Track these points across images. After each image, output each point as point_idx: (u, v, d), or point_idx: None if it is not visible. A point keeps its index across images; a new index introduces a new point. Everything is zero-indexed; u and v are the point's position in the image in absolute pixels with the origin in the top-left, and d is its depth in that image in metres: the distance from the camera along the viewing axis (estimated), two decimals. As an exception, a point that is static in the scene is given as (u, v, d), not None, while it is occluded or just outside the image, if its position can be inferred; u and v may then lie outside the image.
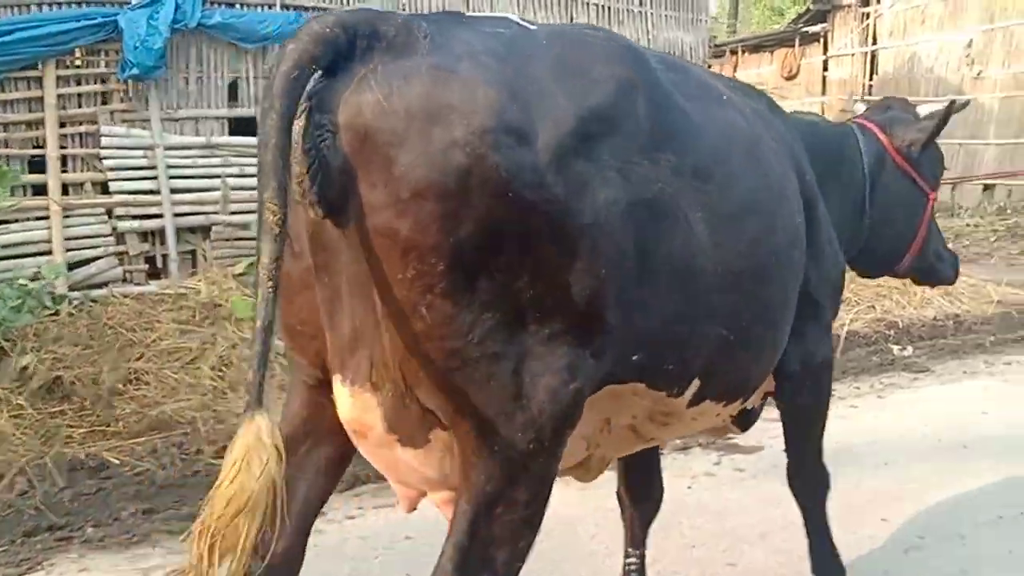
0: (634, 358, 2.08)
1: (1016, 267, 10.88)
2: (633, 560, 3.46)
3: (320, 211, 1.77)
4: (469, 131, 1.73)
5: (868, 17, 18.02)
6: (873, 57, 17.88)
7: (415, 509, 2.36)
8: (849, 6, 18.53)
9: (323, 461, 2.24)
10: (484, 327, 1.81)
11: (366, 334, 1.91)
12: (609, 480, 3.26)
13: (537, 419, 1.88)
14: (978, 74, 15.72)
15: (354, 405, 1.99)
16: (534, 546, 2.01)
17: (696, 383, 2.32)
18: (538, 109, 1.83)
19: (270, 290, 1.73)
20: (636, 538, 3.45)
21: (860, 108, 4.03)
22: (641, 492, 3.43)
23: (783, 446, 3.20)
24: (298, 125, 1.73)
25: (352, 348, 1.94)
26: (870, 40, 18.04)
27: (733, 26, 29.77)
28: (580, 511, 4.13)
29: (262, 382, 1.76)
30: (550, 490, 2.01)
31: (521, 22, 2.09)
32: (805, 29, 19.70)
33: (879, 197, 3.41)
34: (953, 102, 3.61)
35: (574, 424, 1.98)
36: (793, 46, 20.18)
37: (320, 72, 1.76)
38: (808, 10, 19.48)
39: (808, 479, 3.22)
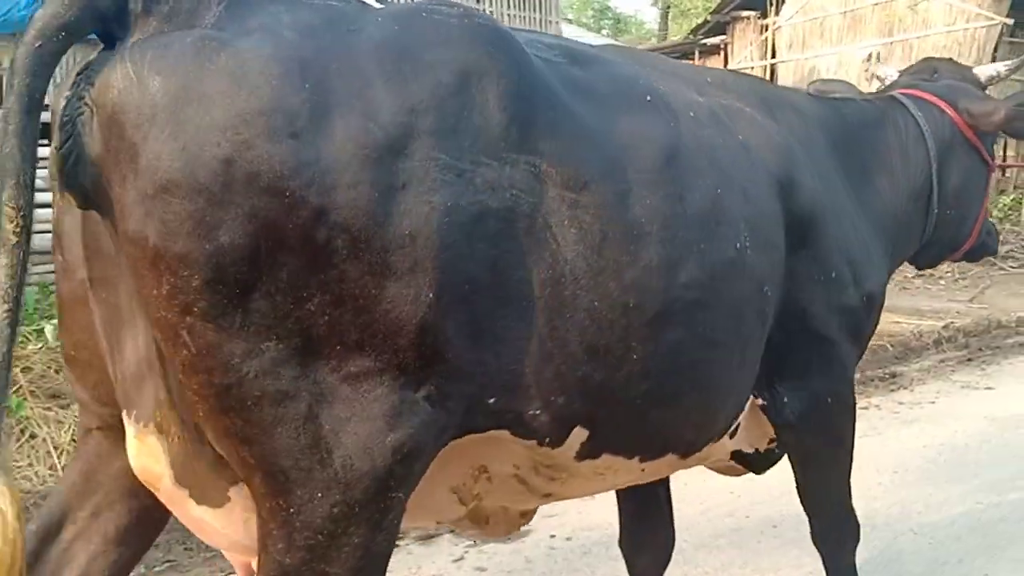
0: (490, 402, 1.79)
1: (908, 291, 10.51)
2: None
3: (73, 200, 1.58)
4: (232, 113, 1.48)
5: (767, 29, 17.87)
6: (773, 70, 17.65)
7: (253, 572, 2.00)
8: (748, 18, 18.41)
9: (115, 527, 1.91)
10: (263, 359, 1.54)
11: (151, 364, 1.68)
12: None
13: (342, 477, 1.60)
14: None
15: (139, 450, 1.74)
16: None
17: (581, 432, 1.98)
18: (342, 92, 1.57)
19: (5, 318, 1.49)
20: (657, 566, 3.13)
21: (886, 72, 3.58)
22: (645, 540, 3.11)
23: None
24: (63, 98, 1.55)
25: (137, 380, 1.70)
26: (769, 53, 17.85)
27: (664, 36, 29.84)
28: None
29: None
30: (380, 565, 1.72)
31: (370, 1, 1.80)
32: (704, 41, 19.49)
33: (950, 181, 3.06)
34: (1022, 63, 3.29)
35: (403, 485, 1.69)
36: (693, 58, 19.89)
37: (83, 40, 1.55)
38: (706, 21, 19.24)
39: (829, 535, 2.90)
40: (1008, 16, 14.15)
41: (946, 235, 3.19)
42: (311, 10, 1.65)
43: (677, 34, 30.73)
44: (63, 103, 1.56)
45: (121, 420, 1.76)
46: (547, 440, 1.96)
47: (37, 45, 1.50)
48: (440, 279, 1.63)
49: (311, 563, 1.64)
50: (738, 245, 2.18)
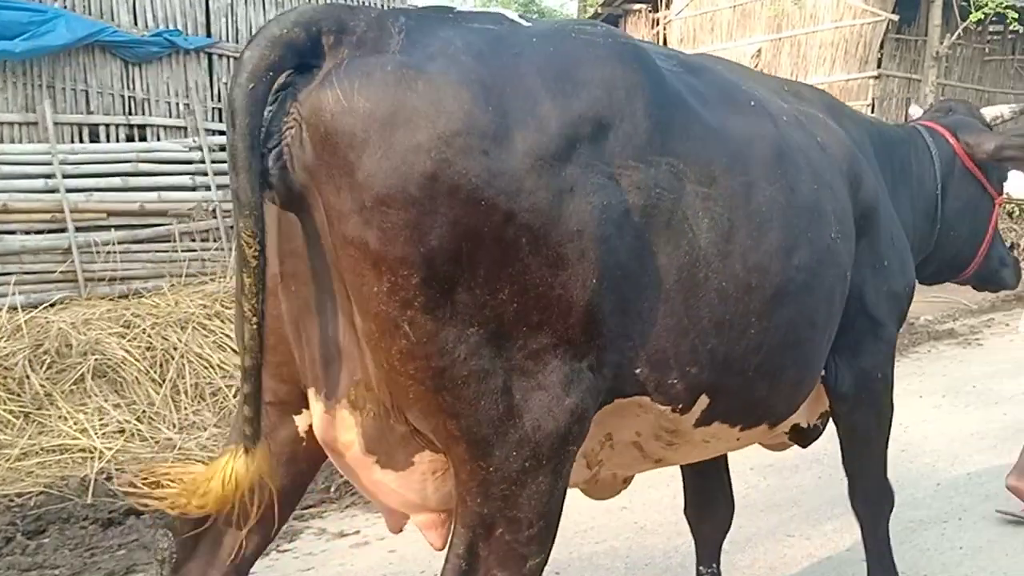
0: (636, 371, 2.06)
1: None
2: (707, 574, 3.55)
3: (277, 199, 1.78)
4: (434, 134, 1.70)
5: (659, 23, 17.84)
6: (664, 64, 17.64)
7: (401, 530, 2.41)
8: (640, 11, 18.36)
9: (273, 489, 2.03)
10: (469, 343, 1.80)
11: (343, 349, 1.92)
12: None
13: (532, 437, 1.88)
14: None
15: (329, 422, 2.01)
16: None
17: (704, 400, 2.25)
18: (518, 111, 1.79)
19: (255, 327, 1.78)
20: (707, 555, 3.53)
21: (916, 111, 4.08)
22: (707, 510, 3.47)
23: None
24: (267, 111, 1.75)
25: (326, 363, 1.95)
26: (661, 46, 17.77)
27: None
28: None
29: (259, 421, 1.87)
30: (558, 507, 2.01)
31: (516, 19, 2.03)
32: (596, 33, 19.26)
33: (949, 203, 3.44)
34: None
35: (578, 440, 1.97)
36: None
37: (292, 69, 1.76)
38: (598, 14, 19.07)
39: (868, 498, 3.20)
40: (894, 12, 14.37)
41: (946, 255, 3.54)
42: (475, 34, 1.87)
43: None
44: (270, 114, 1.76)
45: (294, 397, 2.07)
46: (679, 407, 2.20)
47: (251, 87, 1.70)
48: (600, 267, 1.88)
49: (504, 509, 1.93)
50: (832, 234, 2.46)
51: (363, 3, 8.85)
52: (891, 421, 3.14)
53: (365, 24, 1.80)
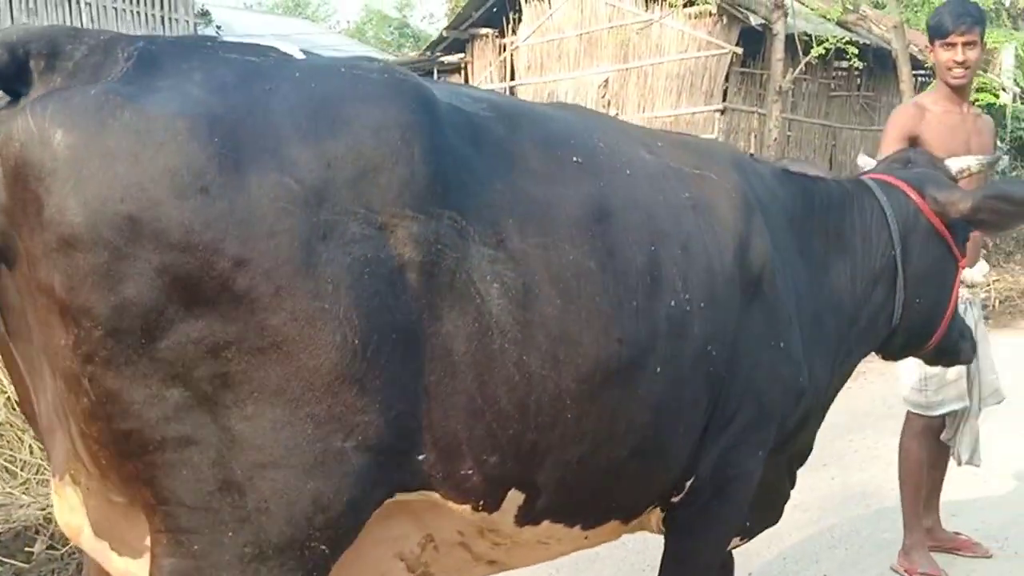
0: (420, 458, 1.86)
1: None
2: None
3: None
4: (138, 170, 1.56)
5: (505, 49, 17.52)
6: (512, 92, 17.30)
7: None
8: (487, 36, 18.00)
9: None
10: (165, 406, 1.62)
11: (59, 415, 1.74)
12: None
13: (255, 519, 1.67)
14: (615, 116, 15.47)
15: (59, 503, 1.86)
16: None
17: (517, 496, 2.05)
18: (256, 149, 1.64)
19: None
20: None
21: (866, 161, 3.88)
22: None
23: None
24: None
25: (49, 432, 1.80)
26: (508, 74, 17.49)
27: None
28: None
29: None
30: None
31: (290, 52, 1.89)
32: (443, 59, 18.87)
33: (913, 266, 3.09)
34: (996, 159, 3.56)
35: (327, 538, 1.74)
36: (432, 76, 19.23)
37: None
38: (443, 37, 18.62)
39: None
40: (737, 45, 14.39)
41: (914, 325, 3.19)
42: (227, 66, 1.72)
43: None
44: None
45: None
46: (481, 503, 2.00)
47: None
48: (364, 328, 1.70)
49: None
50: (676, 303, 2.22)
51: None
52: (729, 541, 2.84)
53: (87, 49, 1.65)
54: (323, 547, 1.75)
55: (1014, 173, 20.04)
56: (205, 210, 1.58)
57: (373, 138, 1.77)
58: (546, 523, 2.17)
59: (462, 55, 18.83)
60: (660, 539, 3.23)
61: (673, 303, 2.21)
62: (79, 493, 1.80)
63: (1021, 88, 20.43)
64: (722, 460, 2.48)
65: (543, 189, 2.07)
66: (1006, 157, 20.95)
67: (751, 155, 3.76)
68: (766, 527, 3.16)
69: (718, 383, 2.37)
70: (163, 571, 1.72)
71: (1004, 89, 19.35)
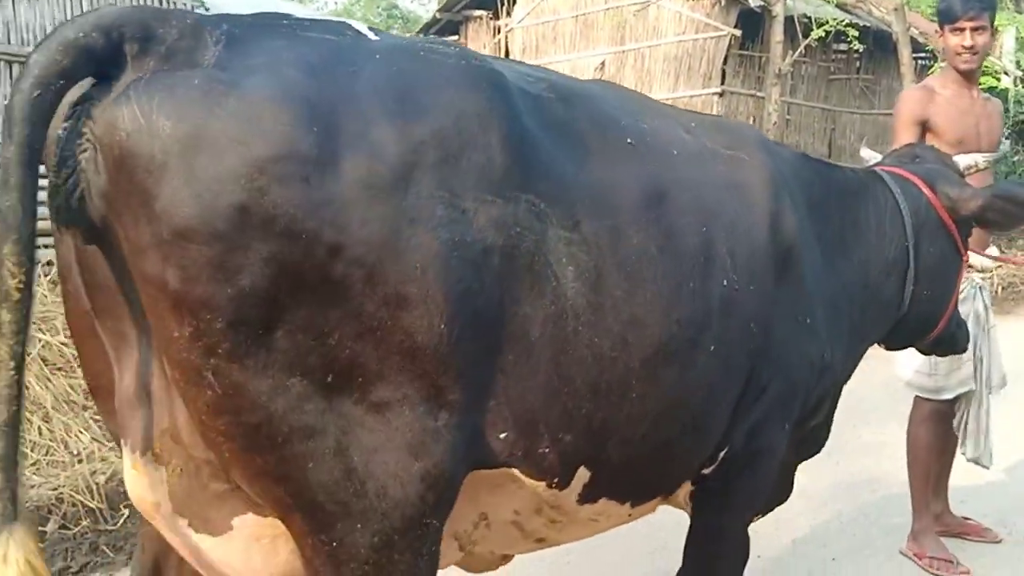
0: (501, 435, 1.91)
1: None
2: None
3: (78, 236, 1.67)
4: (247, 159, 1.55)
5: (500, 31, 17.45)
6: (507, 75, 17.23)
7: None
8: (481, 18, 17.91)
9: None
10: (290, 395, 1.65)
11: (153, 394, 1.77)
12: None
13: (377, 507, 1.73)
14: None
15: (136, 478, 1.83)
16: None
17: (584, 473, 2.12)
18: (349, 134, 1.65)
19: (13, 374, 1.56)
20: None
21: (870, 154, 3.93)
22: None
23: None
24: (60, 130, 1.59)
25: (133, 407, 1.79)
26: (503, 56, 17.41)
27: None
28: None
29: (14, 492, 1.58)
30: None
31: (363, 30, 1.89)
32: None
33: (923, 259, 3.18)
34: (1002, 155, 3.54)
35: (438, 512, 1.83)
36: (424, 59, 19.21)
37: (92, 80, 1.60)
38: (437, 19, 18.53)
39: None
40: (736, 27, 14.35)
41: (920, 316, 3.27)
42: (309, 46, 1.71)
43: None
44: (60, 136, 1.59)
45: None
46: (555, 480, 2.06)
47: (36, 94, 1.53)
48: (451, 310, 1.72)
49: None
50: (727, 282, 2.28)
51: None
52: (750, 518, 2.87)
53: (178, 32, 1.63)
54: (435, 522, 1.83)
55: (1016, 158, 20.06)
56: (307, 198, 1.59)
57: (455, 124, 1.78)
58: (603, 500, 2.25)
59: (456, 37, 18.73)
60: (668, 522, 3.23)
61: (724, 282, 2.27)
62: (163, 471, 1.81)
63: (1023, 71, 20.41)
64: (752, 433, 2.53)
65: (606, 171, 2.10)
66: (1007, 142, 20.97)
67: None
68: (777, 505, 3.20)
69: (755, 358, 2.43)
70: (311, 569, 1.80)
71: (1006, 72, 19.35)
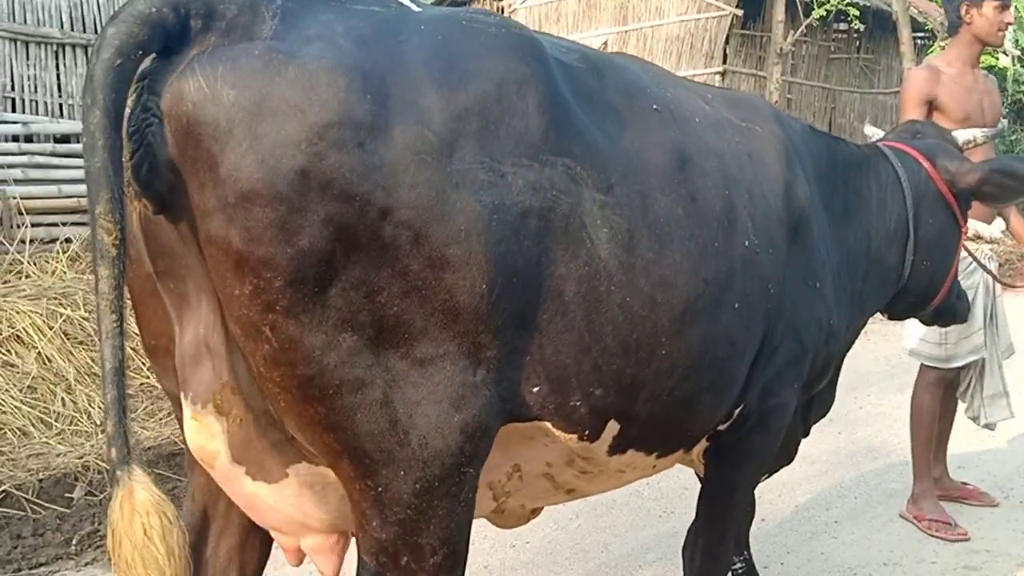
0: (535, 390, 2.01)
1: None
2: (740, 565, 3.63)
3: (149, 206, 1.73)
4: (306, 125, 1.66)
5: (503, 12, 17.45)
6: (509, 55, 17.28)
7: (300, 564, 2.33)
8: (483, -2, 17.91)
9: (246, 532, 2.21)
10: (341, 350, 1.76)
11: (212, 349, 1.88)
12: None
13: (419, 455, 1.84)
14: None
15: (196, 429, 1.94)
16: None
17: (614, 426, 2.21)
18: (399, 102, 1.75)
19: (115, 325, 1.66)
20: (736, 543, 3.51)
21: (873, 131, 4.05)
22: None
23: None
24: (127, 107, 1.67)
25: (194, 363, 1.90)
26: (505, 37, 17.45)
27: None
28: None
29: (126, 434, 1.68)
30: (463, 535, 1.99)
31: (406, 2, 1.99)
32: (439, 22, 18.74)
33: (923, 231, 3.32)
34: (1000, 131, 3.82)
35: (474, 462, 1.93)
36: (426, 40, 19.24)
37: (153, 55, 1.69)
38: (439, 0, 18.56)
39: (707, 555, 2.95)
40: (738, 7, 14.41)
41: (919, 286, 3.41)
42: (358, 18, 1.80)
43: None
44: (128, 114, 1.66)
45: None
46: (586, 433, 2.14)
47: (118, 62, 1.62)
48: (491, 271, 1.82)
49: (404, 536, 1.90)
50: (747, 243, 2.39)
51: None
52: (764, 471, 3.03)
53: (236, 8, 1.73)
54: (472, 471, 1.93)
55: (1013, 137, 20.15)
56: (362, 162, 1.68)
57: (496, 91, 1.87)
58: (631, 452, 2.34)
59: (458, 18, 18.80)
60: (676, 488, 3.38)
61: (746, 244, 2.38)
62: (223, 422, 1.92)
63: (1021, 50, 20.47)
64: (766, 390, 2.65)
65: (635, 137, 2.19)
66: (1005, 120, 21.03)
67: None
68: (782, 467, 3.36)
69: (771, 318, 2.54)
70: (362, 518, 1.92)
71: (1004, 52, 19.41)
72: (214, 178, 1.65)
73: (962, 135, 3.69)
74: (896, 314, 3.68)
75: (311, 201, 1.66)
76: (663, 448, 2.47)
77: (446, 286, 1.79)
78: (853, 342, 3.38)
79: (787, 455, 3.32)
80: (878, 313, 3.57)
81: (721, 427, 2.66)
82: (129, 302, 1.93)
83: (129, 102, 1.67)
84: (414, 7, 1.97)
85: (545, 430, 2.11)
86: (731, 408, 2.59)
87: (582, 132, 2.04)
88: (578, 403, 2.08)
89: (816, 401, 3.32)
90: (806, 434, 3.42)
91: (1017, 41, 19.65)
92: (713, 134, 2.46)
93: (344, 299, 1.72)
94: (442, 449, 1.84)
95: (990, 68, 17.83)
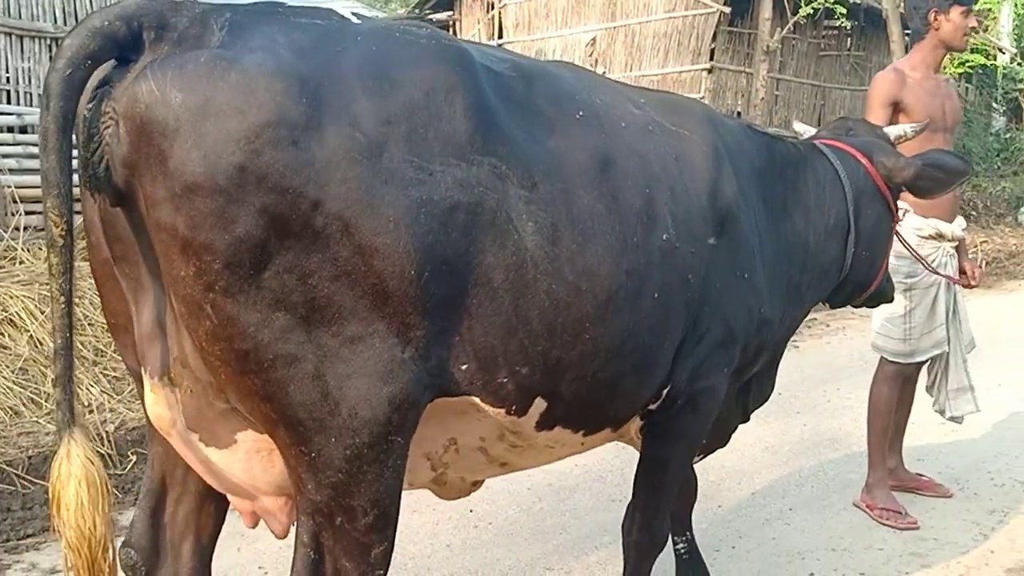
0: (463, 367, 2.19)
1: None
2: (682, 546, 3.85)
3: (108, 199, 1.94)
4: (245, 125, 1.85)
5: (493, 8, 17.61)
6: (500, 51, 17.37)
7: (255, 526, 2.54)
8: (474, -6, 18.05)
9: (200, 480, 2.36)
10: (275, 327, 1.94)
11: (165, 327, 2.09)
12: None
13: (349, 424, 2.02)
14: (603, 75, 15.61)
15: (154, 400, 2.14)
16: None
17: (540, 403, 2.40)
18: (333, 106, 1.94)
19: (63, 306, 1.94)
20: (679, 524, 3.80)
21: (803, 128, 4.19)
22: None
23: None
24: (86, 110, 1.89)
25: (150, 340, 2.10)
26: (496, 32, 17.60)
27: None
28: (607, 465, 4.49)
29: (71, 401, 1.96)
30: (392, 498, 2.17)
31: (347, 16, 2.20)
32: (432, 16, 18.92)
33: (862, 224, 3.53)
34: (925, 126, 3.98)
35: (401, 432, 2.10)
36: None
37: (113, 63, 1.90)
38: (428, -2, 18.74)
39: (644, 531, 3.16)
40: (725, 4, 14.55)
41: (859, 275, 3.64)
42: (299, 30, 2.00)
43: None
44: (86, 117, 1.89)
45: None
46: (513, 408, 2.34)
47: (68, 72, 1.84)
48: (419, 259, 2.01)
49: (337, 498, 2.09)
50: (665, 237, 2.58)
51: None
52: (696, 451, 3.24)
53: (188, 20, 1.93)
54: (400, 440, 2.11)
55: (1007, 135, 20.30)
56: (295, 158, 1.87)
57: (424, 98, 2.06)
58: (558, 428, 2.53)
59: (450, 12, 18.95)
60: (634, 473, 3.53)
61: (665, 237, 2.57)
62: (178, 393, 2.13)
63: (1018, 49, 20.63)
64: (694, 373, 2.84)
65: (559, 141, 2.40)
66: (1002, 119, 21.18)
67: (737, 113, 4.23)
68: (715, 449, 3.58)
69: (693, 306, 2.73)
70: (298, 482, 2.10)
71: (1002, 50, 19.57)
72: (163, 172, 1.84)
73: (893, 131, 3.89)
74: (837, 302, 3.87)
75: (248, 193, 1.85)
76: (589, 426, 2.65)
77: (375, 272, 1.97)
78: (794, 330, 3.58)
79: (721, 439, 3.52)
80: (851, 308, 3.84)
81: (652, 407, 2.85)
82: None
83: (90, 105, 1.88)
84: (354, 20, 2.16)
85: (476, 405, 2.29)
86: (658, 389, 2.77)
87: (508, 135, 2.22)
88: (505, 380, 2.26)
89: (754, 387, 3.51)
90: (745, 419, 3.61)
91: (1015, 40, 19.80)
92: (639, 137, 2.66)
93: (278, 281, 1.91)
94: (370, 419, 2.01)
95: (982, 68, 18.01)
